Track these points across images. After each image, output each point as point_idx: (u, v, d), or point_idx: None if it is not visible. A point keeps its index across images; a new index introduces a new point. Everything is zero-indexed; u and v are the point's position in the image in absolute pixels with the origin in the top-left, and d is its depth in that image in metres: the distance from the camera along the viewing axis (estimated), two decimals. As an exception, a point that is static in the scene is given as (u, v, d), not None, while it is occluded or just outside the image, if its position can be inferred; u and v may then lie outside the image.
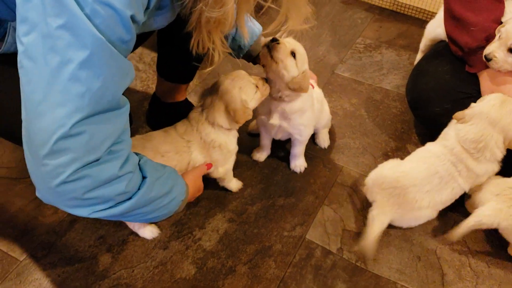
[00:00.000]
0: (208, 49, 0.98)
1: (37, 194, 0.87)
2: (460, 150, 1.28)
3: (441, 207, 1.33)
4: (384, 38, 2.15)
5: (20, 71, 0.78)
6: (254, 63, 1.44)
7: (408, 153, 1.57)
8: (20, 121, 0.85)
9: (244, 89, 1.24)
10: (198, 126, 1.25)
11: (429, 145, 1.37)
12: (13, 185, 1.46)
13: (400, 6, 2.30)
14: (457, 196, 1.33)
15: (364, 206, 1.44)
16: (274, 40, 1.23)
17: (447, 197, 1.31)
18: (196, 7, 0.87)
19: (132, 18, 0.76)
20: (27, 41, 0.74)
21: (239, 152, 1.41)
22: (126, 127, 0.87)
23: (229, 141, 1.29)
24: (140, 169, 0.93)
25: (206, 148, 1.26)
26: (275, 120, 1.37)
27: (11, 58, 1.00)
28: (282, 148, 1.62)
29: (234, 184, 1.46)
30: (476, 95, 1.41)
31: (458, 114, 1.30)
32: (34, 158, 0.80)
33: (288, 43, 1.26)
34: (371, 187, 1.36)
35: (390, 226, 1.36)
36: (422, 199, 1.28)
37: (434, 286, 1.26)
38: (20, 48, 0.76)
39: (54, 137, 0.76)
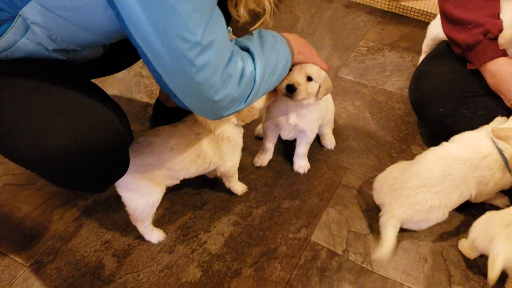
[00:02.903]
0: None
1: (205, 116, 1.01)
2: (494, 160, 1.27)
3: (450, 209, 1.32)
4: (387, 40, 2.16)
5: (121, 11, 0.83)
6: None
7: (413, 154, 1.58)
8: (18, 140, 0.89)
9: None
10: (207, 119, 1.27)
11: (448, 146, 1.33)
12: (19, 191, 1.47)
13: (402, 9, 2.31)
14: (463, 201, 1.33)
15: (369, 207, 1.44)
16: (290, 89, 1.26)
17: (455, 200, 1.30)
18: None
19: None
20: None
21: (243, 156, 1.41)
22: None
23: (236, 134, 1.32)
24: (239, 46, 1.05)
25: (215, 140, 1.28)
26: (293, 119, 1.40)
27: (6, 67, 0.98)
28: (285, 151, 1.62)
29: (239, 187, 1.47)
30: (480, 93, 1.41)
31: (501, 133, 1.22)
32: (187, 86, 0.91)
33: (300, 71, 1.28)
34: (380, 188, 1.36)
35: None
36: (431, 200, 1.27)
37: None
38: None
39: (193, 57, 0.85)
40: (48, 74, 0.99)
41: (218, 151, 1.29)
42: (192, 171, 1.28)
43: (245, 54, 1.02)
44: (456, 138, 1.35)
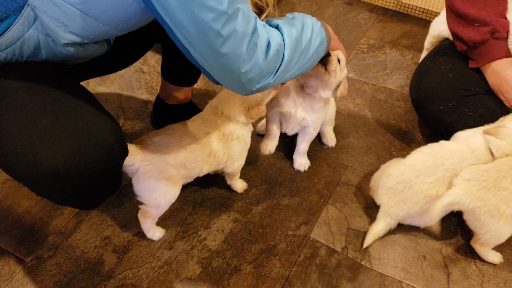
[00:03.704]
0: None
1: (236, 91, 0.99)
2: (482, 153, 1.28)
3: None
4: (388, 38, 2.16)
5: None
6: None
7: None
8: (10, 159, 0.89)
9: None
10: (216, 118, 1.28)
11: (443, 142, 1.35)
12: (20, 186, 1.47)
13: (403, 7, 2.30)
14: None
15: (369, 205, 1.44)
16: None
17: None
18: None
19: None
20: None
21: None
22: None
23: (246, 134, 1.33)
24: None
25: (224, 140, 1.28)
26: (300, 113, 1.40)
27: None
28: (285, 149, 1.62)
29: (239, 185, 1.47)
30: (480, 92, 1.41)
31: (491, 130, 1.29)
32: (214, 59, 0.89)
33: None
34: (376, 188, 1.36)
35: (396, 225, 1.36)
36: (426, 190, 1.26)
37: (440, 285, 1.25)
38: None
39: (219, 27, 0.84)
40: (41, 84, 0.97)
41: (228, 150, 1.30)
42: (205, 170, 1.28)
43: (273, 29, 1.00)
44: (453, 136, 1.37)
